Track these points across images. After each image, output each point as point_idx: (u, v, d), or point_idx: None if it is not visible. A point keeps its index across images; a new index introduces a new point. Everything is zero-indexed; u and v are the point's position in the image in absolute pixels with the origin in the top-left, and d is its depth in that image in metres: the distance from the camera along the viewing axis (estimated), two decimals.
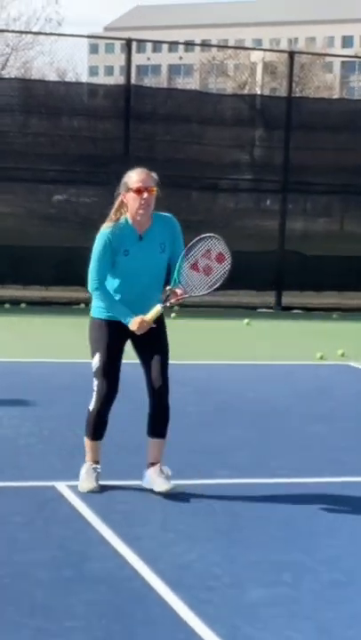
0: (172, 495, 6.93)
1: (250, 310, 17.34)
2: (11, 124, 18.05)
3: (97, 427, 6.98)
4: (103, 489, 7.03)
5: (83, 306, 16.36)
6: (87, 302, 17.00)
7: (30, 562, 5.68)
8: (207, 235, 6.72)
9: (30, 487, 7.06)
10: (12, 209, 18.68)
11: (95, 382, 6.89)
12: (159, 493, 6.90)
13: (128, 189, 6.69)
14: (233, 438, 8.70)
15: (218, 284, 6.69)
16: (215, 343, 14.04)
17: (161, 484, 6.86)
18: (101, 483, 7.16)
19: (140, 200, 6.65)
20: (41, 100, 17.95)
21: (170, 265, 6.84)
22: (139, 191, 6.64)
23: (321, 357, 12.91)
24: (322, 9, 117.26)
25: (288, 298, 18.26)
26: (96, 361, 6.84)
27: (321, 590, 5.52)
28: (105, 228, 6.77)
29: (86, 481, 6.96)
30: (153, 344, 6.86)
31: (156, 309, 6.62)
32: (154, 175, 6.76)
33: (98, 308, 6.89)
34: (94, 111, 18.44)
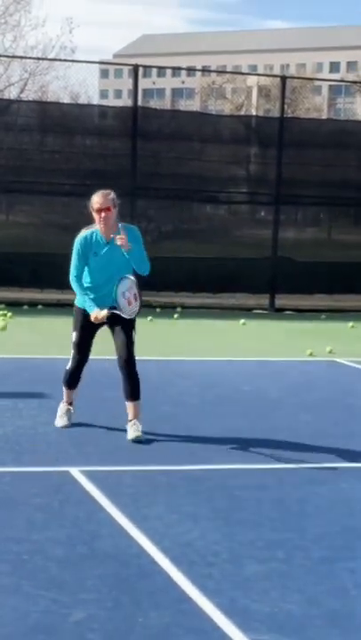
0: (176, 479, 6.94)
1: (246, 311, 17.33)
2: (29, 142, 18.07)
3: (71, 380, 8.29)
4: (112, 473, 7.04)
5: None
6: None
7: (46, 539, 5.67)
8: (132, 279, 7.69)
9: (47, 472, 7.05)
10: (30, 219, 18.70)
11: (72, 351, 8.18)
12: (164, 476, 6.90)
13: (92, 209, 7.94)
14: (230, 427, 8.68)
15: (134, 314, 7.74)
16: (214, 341, 14.02)
17: (131, 433, 7.87)
18: (110, 468, 7.16)
19: (99, 218, 7.90)
20: (56, 121, 17.95)
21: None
22: (98, 211, 7.89)
23: (310, 354, 12.90)
24: (311, 38, 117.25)
25: (281, 300, 18.23)
26: (74, 336, 8.17)
27: (311, 566, 5.51)
28: (79, 236, 8.04)
29: (61, 419, 8.28)
30: (121, 327, 7.89)
31: (104, 312, 7.77)
32: (112, 196, 7.93)
33: (78, 299, 8.11)
34: (104, 130, 18.45)
